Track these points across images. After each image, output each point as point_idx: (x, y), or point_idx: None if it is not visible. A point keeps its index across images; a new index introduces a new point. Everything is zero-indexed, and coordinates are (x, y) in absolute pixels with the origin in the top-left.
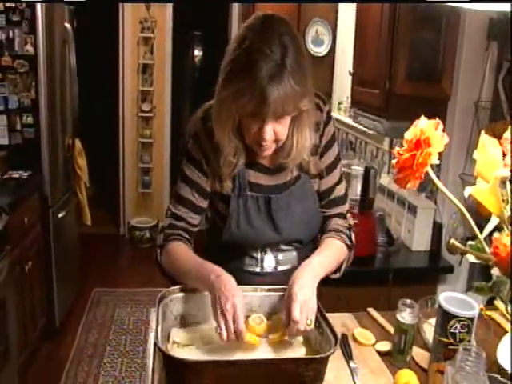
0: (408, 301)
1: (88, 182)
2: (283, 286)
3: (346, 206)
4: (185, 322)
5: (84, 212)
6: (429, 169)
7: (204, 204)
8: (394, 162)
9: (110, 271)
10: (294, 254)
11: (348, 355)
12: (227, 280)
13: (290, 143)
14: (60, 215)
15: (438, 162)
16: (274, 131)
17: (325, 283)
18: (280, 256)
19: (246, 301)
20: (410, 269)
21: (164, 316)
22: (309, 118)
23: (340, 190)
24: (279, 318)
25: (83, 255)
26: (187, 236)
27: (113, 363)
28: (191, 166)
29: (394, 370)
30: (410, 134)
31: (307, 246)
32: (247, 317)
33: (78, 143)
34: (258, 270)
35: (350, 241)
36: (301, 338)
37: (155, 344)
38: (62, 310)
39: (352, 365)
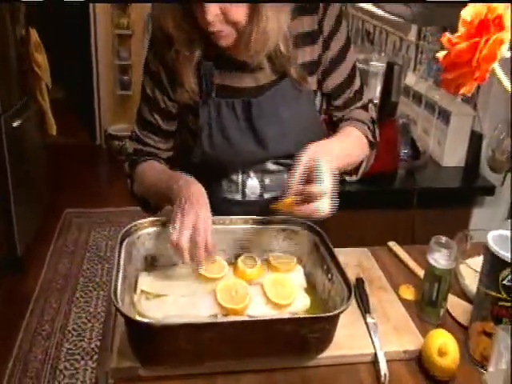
0: (443, 239)
1: (50, 84)
2: (286, 217)
3: (365, 98)
4: (157, 264)
5: (47, 119)
6: (496, 66)
7: (171, 126)
8: (440, 55)
9: (84, 188)
10: (286, 176)
11: (364, 307)
12: (198, 189)
13: (249, 28)
14: (15, 124)
15: (508, 54)
16: (221, 10)
17: None
18: (267, 180)
19: (233, 236)
20: (438, 189)
21: (129, 258)
22: None
23: (356, 83)
24: (278, 258)
25: (51, 171)
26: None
27: (87, 297)
28: (150, 81)
29: (423, 325)
30: (469, 13)
31: None
32: (236, 256)
33: (33, 34)
34: (238, 197)
35: (374, 137)
36: (304, 283)
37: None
38: (26, 236)
39: (369, 320)
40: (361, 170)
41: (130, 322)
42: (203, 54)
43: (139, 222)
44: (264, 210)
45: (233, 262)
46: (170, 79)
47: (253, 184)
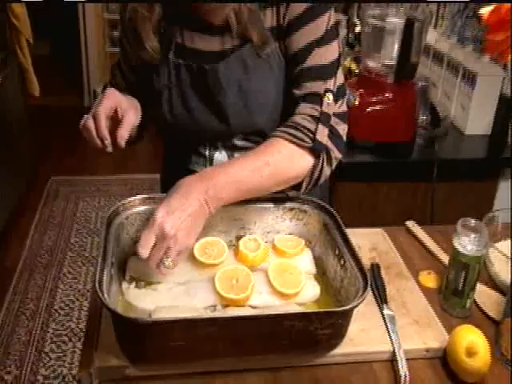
0: (472, 221)
1: (32, 39)
2: (293, 194)
3: (327, 84)
4: None
5: (29, 78)
6: None
7: (133, 78)
8: (484, 11)
9: (72, 154)
10: None
11: (380, 296)
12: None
13: None
14: None
15: None
16: None
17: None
18: (237, 154)
19: (234, 215)
20: (461, 160)
21: (118, 240)
22: None
23: (321, 56)
24: (285, 240)
25: (35, 135)
26: None
27: (75, 273)
28: (122, 30)
29: (446, 318)
30: None
31: None
32: (237, 239)
33: None
34: None
35: (314, 141)
36: (313, 269)
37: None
38: (7, 206)
39: (386, 311)
40: (303, 187)
41: (118, 318)
42: (164, 11)
43: (128, 199)
44: None
45: (233, 245)
46: (133, 35)
47: (221, 159)
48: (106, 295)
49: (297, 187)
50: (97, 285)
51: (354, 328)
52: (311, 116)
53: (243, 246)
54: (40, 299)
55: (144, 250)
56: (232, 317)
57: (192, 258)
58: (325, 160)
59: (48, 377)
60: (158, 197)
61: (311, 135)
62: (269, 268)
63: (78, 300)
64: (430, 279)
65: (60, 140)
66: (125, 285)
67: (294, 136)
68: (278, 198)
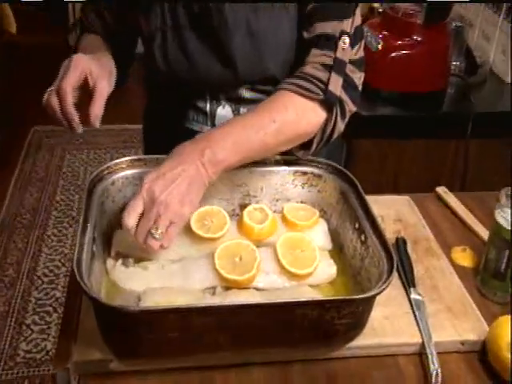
0: None
1: None
2: (304, 154)
3: (344, 25)
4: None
5: (4, 13)
6: None
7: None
8: None
9: None
10: None
11: (407, 278)
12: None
13: None
14: None
15: None
16: None
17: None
18: (243, 109)
19: (237, 180)
20: (500, 113)
21: (101, 210)
22: None
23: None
24: (296, 210)
25: (14, 78)
26: None
27: (61, 235)
28: None
29: (484, 303)
30: None
31: None
32: (241, 208)
33: None
34: (207, 130)
35: (325, 92)
36: (329, 244)
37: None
38: None
39: (414, 296)
40: (313, 146)
41: (100, 306)
42: None
43: (114, 162)
44: None
45: (236, 215)
46: None
47: (225, 114)
48: (85, 280)
49: (306, 145)
50: (75, 265)
51: (376, 315)
52: (323, 64)
53: (248, 216)
54: (21, 264)
55: (130, 220)
56: (234, 305)
57: (188, 231)
58: (338, 114)
59: (29, 351)
60: (150, 158)
61: (323, 86)
62: (277, 243)
63: (63, 265)
64: (465, 257)
65: (42, 84)
66: (110, 262)
67: (303, 88)
68: (289, 159)
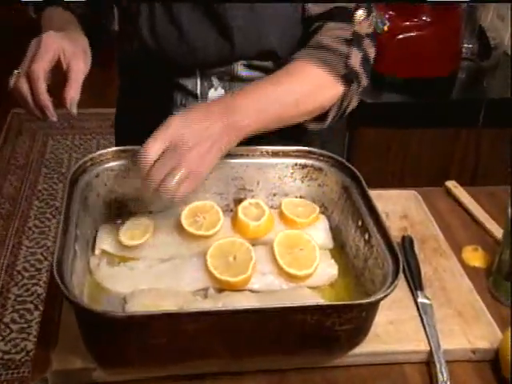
0: None
1: None
2: (306, 148)
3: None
4: (124, 213)
5: None
6: None
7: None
8: None
9: None
10: None
11: (414, 280)
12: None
13: None
14: None
15: None
16: None
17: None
18: (238, 90)
19: (231, 173)
20: None
21: (85, 205)
22: None
23: None
24: (295, 206)
25: None
26: None
27: (43, 227)
28: None
29: (498, 309)
30: None
31: None
32: (236, 202)
33: None
34: None
35: (346, 68)
36: (330, 243)
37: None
38: None
39: (422, 300)
40: (329, 117)
41: (82, 311)
42: None
43: (98, 153)
44: None
45: (230, 211)
46: None
47: (217, 96)
48: (66, 282)
49: (321, 118)
50: (55, 267)
51: (380, 320)
52: (343, 38)
53: (243, 212)
54: None
55: (146, 158)
56: (227, 310)
57: (178, 227)
58: (355, 88)
59: (8, 352)
60: (137, 149)
61: (345, 60)
62: (274, 241)
63: (46, 259)
64: (476, 257)
65: (20, 61)
66: (94, 261)
67: (325, 61)
68: (287, 151)
